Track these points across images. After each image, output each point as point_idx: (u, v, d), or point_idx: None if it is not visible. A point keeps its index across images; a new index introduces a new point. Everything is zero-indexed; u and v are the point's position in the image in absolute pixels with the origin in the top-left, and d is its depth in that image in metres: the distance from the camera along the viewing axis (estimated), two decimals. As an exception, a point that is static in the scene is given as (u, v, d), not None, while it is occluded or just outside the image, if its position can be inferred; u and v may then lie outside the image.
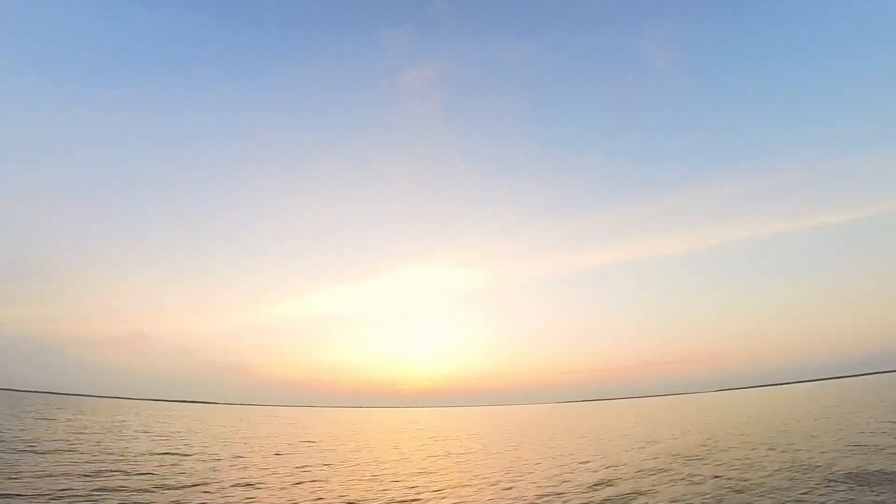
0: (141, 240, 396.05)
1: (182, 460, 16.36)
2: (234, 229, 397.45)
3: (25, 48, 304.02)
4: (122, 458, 16.16)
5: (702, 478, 12.21)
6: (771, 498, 9.76)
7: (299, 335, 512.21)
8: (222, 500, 10.62)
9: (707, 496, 10.28)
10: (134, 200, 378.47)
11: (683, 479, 12.28)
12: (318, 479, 13.62)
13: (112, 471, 13.35)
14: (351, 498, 11.11)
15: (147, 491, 11.10)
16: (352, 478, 13.97)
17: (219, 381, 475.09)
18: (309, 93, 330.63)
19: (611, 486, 11.97)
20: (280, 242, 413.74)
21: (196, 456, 17.87)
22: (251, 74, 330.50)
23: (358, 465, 17.05)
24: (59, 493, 10.29)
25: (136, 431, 28.38)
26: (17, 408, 49.41)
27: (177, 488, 11.55)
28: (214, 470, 14.64)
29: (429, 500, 11.07)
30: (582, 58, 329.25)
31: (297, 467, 15.87)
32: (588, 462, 16.37)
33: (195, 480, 12.65)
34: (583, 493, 11.28)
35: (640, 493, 10.93)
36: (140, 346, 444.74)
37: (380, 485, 12.88)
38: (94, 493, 10.63)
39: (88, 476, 12.32)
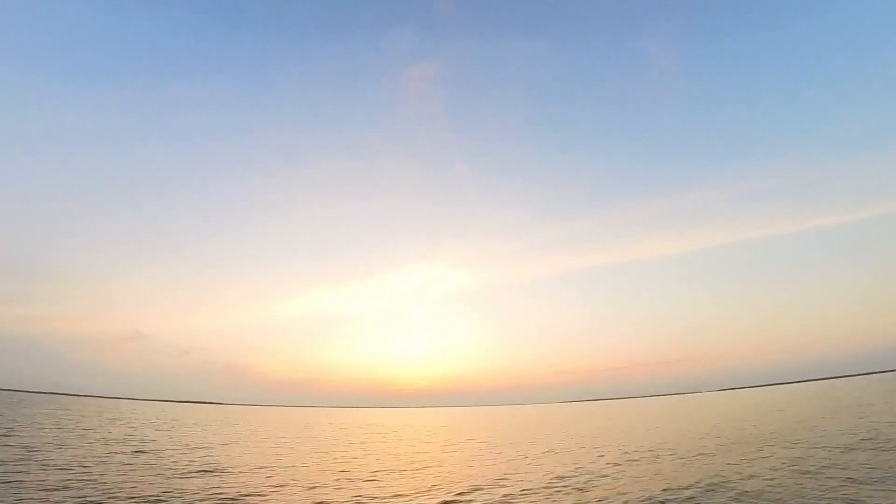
0: (139, 238, 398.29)
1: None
2: (232, 228, 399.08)
3: (25, 46, 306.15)
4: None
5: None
6: None
7: (297, 335, 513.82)
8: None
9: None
10: (132, 199, 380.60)
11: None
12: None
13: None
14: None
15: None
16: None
17: (216, 381, 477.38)
18: (310, 91, 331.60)
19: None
20: (279, 242, 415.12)
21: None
22: (252, 73, 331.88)
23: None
24: None
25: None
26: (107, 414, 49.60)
27: None
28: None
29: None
30: (583, 58, 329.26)
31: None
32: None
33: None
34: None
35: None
36: (138, 346, 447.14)
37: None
38: None
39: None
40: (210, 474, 14.08)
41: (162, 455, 18.28)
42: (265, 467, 16.08)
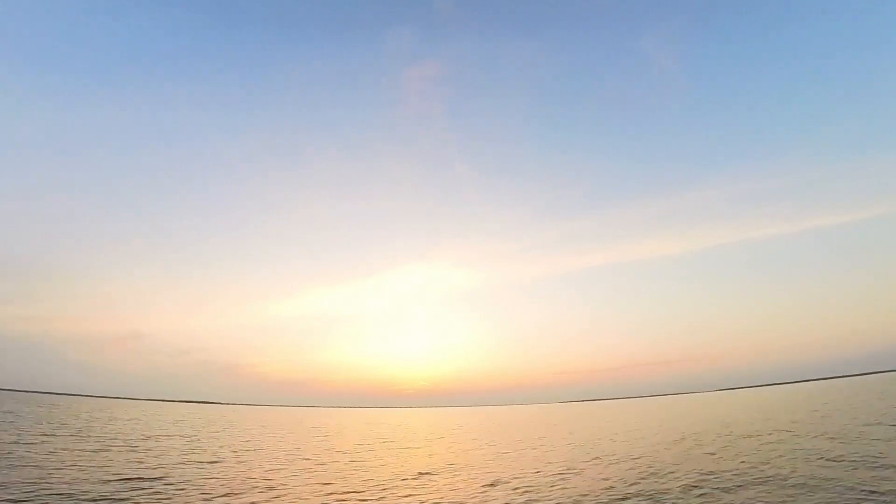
0: (137, 238, 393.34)
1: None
2: (232, 228, 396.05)
3: (23, 45, 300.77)
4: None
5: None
6: None
7: (296, 334, 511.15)
8: None
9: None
10: (131, 199, 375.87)
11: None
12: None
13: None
14: None
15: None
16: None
17: (215, 381, 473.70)
18: (310, 91, 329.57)
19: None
20: (278, 241, 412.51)
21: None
22: (252, 72, 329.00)
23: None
24: None
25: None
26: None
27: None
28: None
29: None
30: (583, 58, 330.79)
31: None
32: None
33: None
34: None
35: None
36: (136, 346, 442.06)
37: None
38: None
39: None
40: (432, 475, 14.46)
41: (334, 462, 18.90)
42: (470, 467, 16.78)
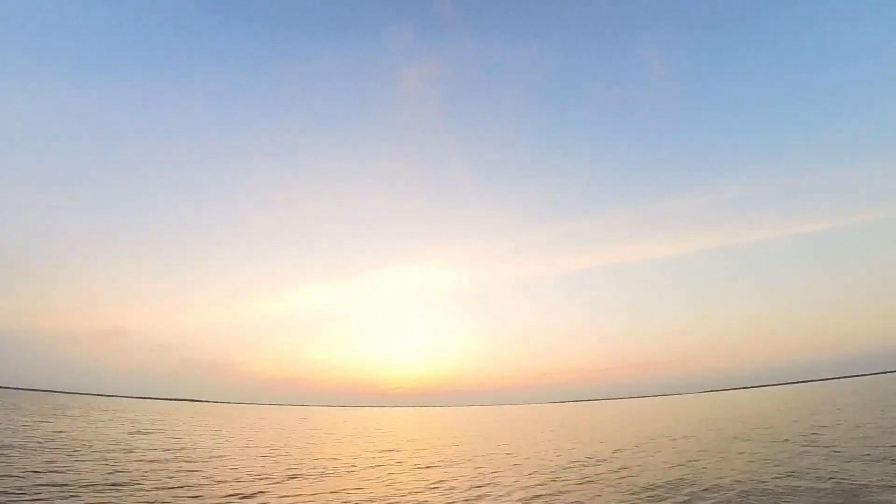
0: (123, 232, 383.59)
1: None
2: (220, 223, 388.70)
3: (13, 34, 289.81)
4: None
5: None
6: None
7: (284, 333, 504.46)
8: None
9: None
10: (118, 193, 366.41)
11: None
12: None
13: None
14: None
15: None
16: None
17: (201, 379, 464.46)
18: (304, 87, 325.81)
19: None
20: (268, 238, 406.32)
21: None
22: (247, 68, 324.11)
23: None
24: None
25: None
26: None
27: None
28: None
29: None
30: (580, 62, 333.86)
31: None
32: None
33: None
34: None
35: None
36: (119, 342, 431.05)
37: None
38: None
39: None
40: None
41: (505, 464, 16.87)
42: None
